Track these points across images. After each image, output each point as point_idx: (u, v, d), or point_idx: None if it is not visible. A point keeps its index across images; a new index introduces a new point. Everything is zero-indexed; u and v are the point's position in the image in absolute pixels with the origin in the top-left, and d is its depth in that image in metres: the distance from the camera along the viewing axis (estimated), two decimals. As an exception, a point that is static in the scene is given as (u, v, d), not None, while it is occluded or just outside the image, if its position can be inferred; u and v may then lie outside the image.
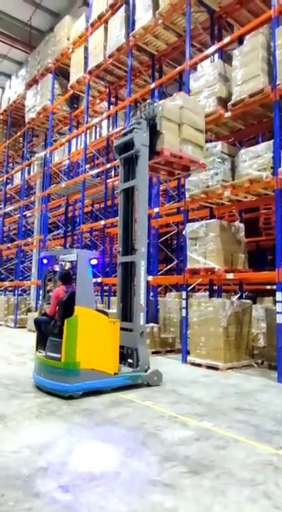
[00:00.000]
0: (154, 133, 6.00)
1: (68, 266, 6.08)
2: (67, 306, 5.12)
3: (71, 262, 5.88)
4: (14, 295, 14.93)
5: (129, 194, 6.11)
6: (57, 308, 5.40)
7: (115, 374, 5.22)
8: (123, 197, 6.13)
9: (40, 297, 6.17)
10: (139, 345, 5.62)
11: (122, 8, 9.94)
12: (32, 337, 11.40)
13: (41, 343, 5.50)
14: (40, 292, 6.62)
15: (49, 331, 5.36)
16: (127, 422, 3.97)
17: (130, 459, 3.12)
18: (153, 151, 6.03)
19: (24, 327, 13.24)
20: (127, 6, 9.88)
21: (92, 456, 3.20)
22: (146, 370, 5.56)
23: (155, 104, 6.22)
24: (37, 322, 5.76)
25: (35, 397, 4.85)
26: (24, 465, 2.96)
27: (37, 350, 5.57)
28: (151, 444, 3.41)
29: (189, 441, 3.48)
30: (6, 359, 7.57)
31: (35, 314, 12.20)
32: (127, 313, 5.86)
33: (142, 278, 5.73)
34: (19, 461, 3.04)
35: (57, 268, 6.21)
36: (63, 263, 6.15)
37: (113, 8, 10.35)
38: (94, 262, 5.24)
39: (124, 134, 6.14)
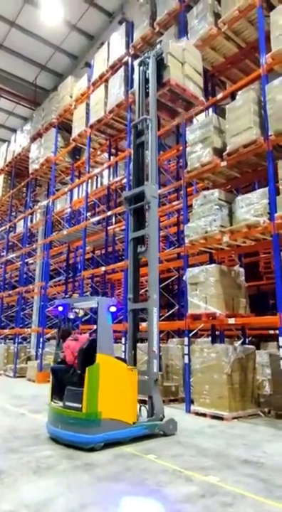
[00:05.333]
0: (161, 68, 6.84)
1: (81, 313, 6.07)
2: (87, 354, 5.03)
3: (83, 309, 5.87)
4: (14, 343, 14.72)
5: (139, 242, 6.30)
6: (75, 356, 5.32)
7: (134, 423, 5.06)
8: (133, 245, 6.31)
9: (55, 346, 6.11)
10: (154, 393, 5.49)
11: (122, 69, 10.63)
12: (31, 387, 11.08)
13: (57, 393, 5.33)
14: (55, 341, 6.56)
15: (67, 380, 5.23)
16: (129, 478, 3.80)
17: (133, 518, 2.97)
18: (160, 84, 6.83)
19: (24, 376, 12.91)
20: (126, 66, 10.57)
21: (93, 516, 3.04)
22: (161, 419, 5.41)
23: (162, 43, 6.95)
24: (54, 371, 5.60)
25: (34, 451, 4.66)
26: (21, 526, 2.81)
27: (52, 400, 5.38)
28: (154, 501, 3.25)
29: (194, 498, 3.32)
30: (4, 410, 7.34)
31: (35, 364, 12.03)
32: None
33: (155, 324, 5.72)
34: (16, 522, 2.89)
35: (71, 315, 6.20)
36: (77, 310, 6.15)
37: (113, 69, 11.06)
38: (113, 309, 5.25)
39: (135, 126, 6.72)
